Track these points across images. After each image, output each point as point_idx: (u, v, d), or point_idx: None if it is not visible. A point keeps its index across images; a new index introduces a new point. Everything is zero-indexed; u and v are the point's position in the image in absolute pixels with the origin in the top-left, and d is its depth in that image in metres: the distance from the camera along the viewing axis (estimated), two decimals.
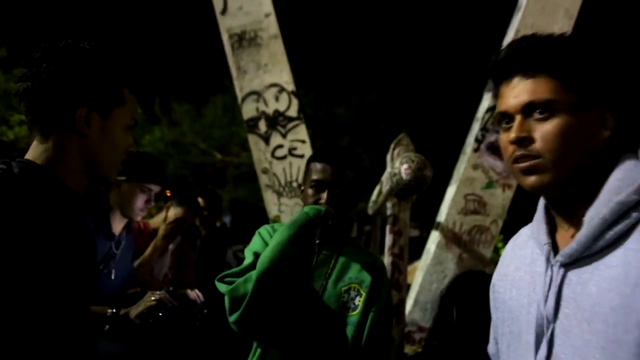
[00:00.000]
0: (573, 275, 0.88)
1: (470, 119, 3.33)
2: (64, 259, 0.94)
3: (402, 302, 2.72)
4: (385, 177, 2.74)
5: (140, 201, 2.32)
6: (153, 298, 1.92)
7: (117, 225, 2.34)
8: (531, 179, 0.92)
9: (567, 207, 0.94)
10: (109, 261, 2.27)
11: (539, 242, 0.97)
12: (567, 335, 0.86)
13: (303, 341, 1.56)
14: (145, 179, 2.32)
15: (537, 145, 0.89)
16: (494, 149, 3.18)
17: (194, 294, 1.99)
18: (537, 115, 0.90)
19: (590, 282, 0.85)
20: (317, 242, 1.52)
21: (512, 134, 0.91)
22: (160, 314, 1.89)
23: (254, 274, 1.49)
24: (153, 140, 17.89)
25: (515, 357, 0.98)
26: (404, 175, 2.46)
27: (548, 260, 0.93)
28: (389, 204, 2.69)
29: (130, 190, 2.30)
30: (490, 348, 1.14)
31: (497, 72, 0.96)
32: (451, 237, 3.12)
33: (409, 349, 3.01)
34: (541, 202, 1.02)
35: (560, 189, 0.92)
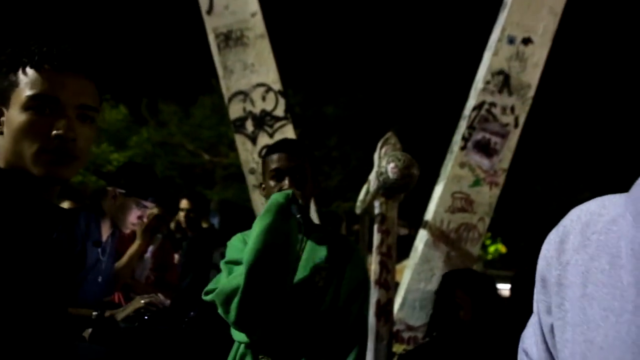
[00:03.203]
0: None
1: (457, 117, 3.34)
2: (25, 260, 0.90)
3: (391, 301, 2.71)
4: (372, 176, 2.74)
5: (133, 216, 2.32)
6: (143, 301, 1.91)
7: (105, 232, 2.33)
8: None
9: None
10: (96, 268, 2.27)
11: None
12: None
13: (283, 328, 1.57)
14: (143, 195, 2.31)
15: None
16: (481, 147, 3.19)
17: (159, 299, 1.97)
18: None
19: None
20: (298, 216, 1.53)
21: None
22: (146, 317, 1.87)
23: (241, 269, 1.50)
24: (140, 141, 17.77)
25: None
26: (390, 174, 2.45)
27: None
28: (376, 203, 2.68)
29: (126, 204, 2.29)
30: (533, 352, 0.90)
31: None
32: (439, 235, 3.12)
33: (397, 348, 3.01)
34: None
35: None
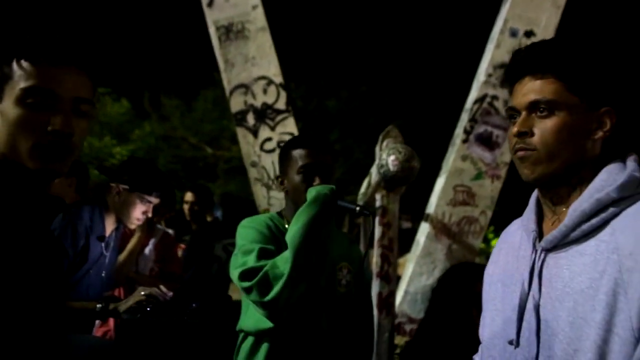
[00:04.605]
0: (551, 259, 1.01)
1: (459, 110, 3.34)
2: (20, 251, 0.90)
3: (392, 294, 2.73)
4: (373, 169, 2.74)
5: (138, 211, 2.32)
6: (143, 293, 1.92)
7: (109, 227, 2.34)
8: (526, 171, 1.03)
9: (556, 201, 1.05)
10: (99, 262, 2.28)
11: (528, 230, 1.08)
12: (542, 310, 0.99)
13: (303, 320, 1.58)
14: (147, 190, 2.32)
15: (535, 139, 1.01)
16: (483, 140, 3.18)
17: (161, 291, 1.97)
18: (539, 113, 1.01)
19: (564, 266, 0.98)
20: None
21: (515, 128, 1.03)
22: (149, 309, 1.88)
23: (285, 256, 1.47)
24: (143, 135, 17.76)
25: (497, 330, 1.10)
26: (391, 167, 2.46)
27: (534, 245, 1.05)
28: (378, 196, 2.69)
29: (130, 200, 2.30)
30: (480, 330, 1.22)
31: (512, 73, 1.07)
32: (440, 228, 3.13)
33: (399, 340, 3.02)
34: (534, 196, 1.12)
35: (551, 182, 1.03)
